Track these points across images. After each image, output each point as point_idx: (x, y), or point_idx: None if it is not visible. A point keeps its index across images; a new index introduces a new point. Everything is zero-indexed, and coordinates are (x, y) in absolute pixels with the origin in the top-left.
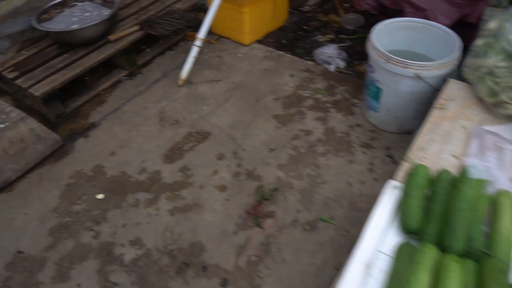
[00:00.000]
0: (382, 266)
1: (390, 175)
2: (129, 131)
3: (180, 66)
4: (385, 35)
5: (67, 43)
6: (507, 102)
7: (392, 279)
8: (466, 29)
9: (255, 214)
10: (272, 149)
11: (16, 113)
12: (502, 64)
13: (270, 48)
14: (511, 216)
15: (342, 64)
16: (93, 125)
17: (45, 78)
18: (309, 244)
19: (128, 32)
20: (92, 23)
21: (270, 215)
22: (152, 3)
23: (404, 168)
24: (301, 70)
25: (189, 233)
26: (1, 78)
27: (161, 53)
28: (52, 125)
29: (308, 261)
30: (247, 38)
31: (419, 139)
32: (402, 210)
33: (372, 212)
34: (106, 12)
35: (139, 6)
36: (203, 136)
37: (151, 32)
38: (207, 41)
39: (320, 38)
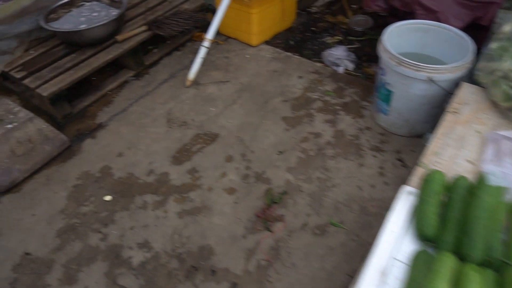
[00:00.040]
0: (398, 274)
1: (401, 179)
2: (136, 132)
3: (188, 67)
4: (396, 37)
5: (75, 43)
6: None
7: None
8: (478, 31)
9: (265, 218)
10: (281, 152)
11: (24, 113)
12: None
13: (278, 49)
14: None
15: (351, 66)
16: (100, 126)
17: (53, 78)
18: (319, 248)
19: (136, 33)
20: (100, 23)
21: (280, 218)
22: (159, 3)
23: (418, 173)
24: (310, 72)
25: (198, 236)
26: (8, 78)
27: (168, 54)
28: (59, 126)
29: (319, 266)
30: (255, 39)
31: (433, 143)
32: (417, 217)
33: (386, 218)
34: (114, 12)
35: (147, 6)
36: (211, 137)
37: (159, 33)
38: (214, 42)
39: (328, 39)
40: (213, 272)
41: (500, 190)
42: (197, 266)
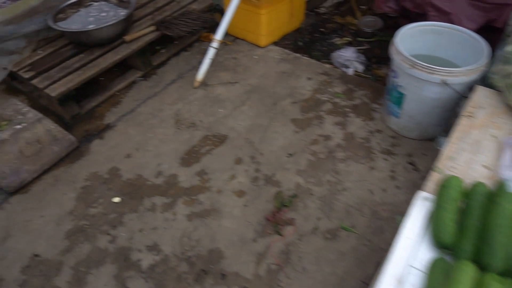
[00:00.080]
0: (414, 282)
1: (413, 183)
2: (144, 133)
3: (195, 68)
4: (408, 39)
5: (83, 43)
6: None
7: None
8: (492, 34)
9: (275, 221)
10: (290, 154)
11: (32, 113)
12: None
13: (286, 50)
14: None
15: (360, 67)
16: (108, 127)
17: (61, 79)
18: (330, 253)
19: (144, 33)
20: (109, 24)
21: (290, 222)
22: (167, 3)
23: (433, 178)
24: (319, 73)
25: (207, 239)
26: (16, 77)
27: (176, 54)
28: (67, 126)
29: (330, 271)
30: (263, 40)
31: (448, 148)
32: (434, 224)
33: (400, 224)
34: (122, 12)
35: (155, 6)
36: (220, 139)
37: (167, 33)
38: (222, 43)
39: (337, 40)
40: (223, 276)
41: None
42: (206, 270)
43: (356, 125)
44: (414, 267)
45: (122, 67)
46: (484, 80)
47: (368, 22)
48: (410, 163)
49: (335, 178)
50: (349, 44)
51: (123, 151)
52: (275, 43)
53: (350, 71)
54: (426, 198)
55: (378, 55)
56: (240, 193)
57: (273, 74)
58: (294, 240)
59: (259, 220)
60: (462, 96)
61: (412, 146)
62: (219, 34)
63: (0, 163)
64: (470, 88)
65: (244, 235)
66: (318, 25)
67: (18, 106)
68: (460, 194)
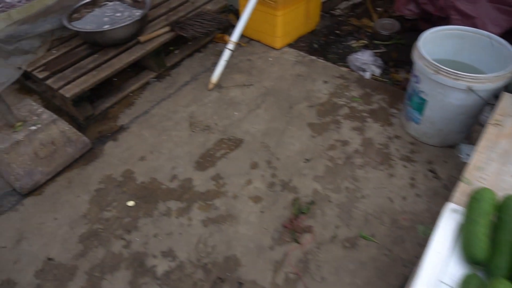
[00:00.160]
0: None
1: (434, 192)
2: (159, 136)
3: (209, 69)
4: (430, 43)
5: (98, 43)
6: None
7: None
8: None
9: (292, 229)
10: (307, 160)
11: (47, 115)
12: None
13: (301, 53)
14: None
15: (377, 71)
16: (122, 128)
17: (76, 79)
18: (349, 262)
19: (159, 33)
20: (124, 24)
21: (308, 230)
22: (181, 4)
23: (460, 189)
24: (335, 77)
25: (224, 246)
26: (30, 77)
27: (190, 55)
28: (80, 127)
29: (349, 281)
30: (278, 42)
31: (475, 157)
32: (466, 238)
33: (430, 237)
34: (137, 13)
35: (169, 6)
36: (235, 143)
37: (182, 34)
38: (237, 44)
39: (353, 43)
40: (240, 284)
41: None
42: (223, 278)
43: (374, 130)
44: (444, 283)
45: (135, 67)
46: (508, 87)
47: (385, 25)
48: (431, 171)
49: (354, 185)
50: (365, 47)
51: (137, 154)
52: (290, 45)
53: (367, 75)
54: (455, 210)
55: (395, 58)
56: (257, 199)
57: (288, 77)
58: (312, 249)
59: (276, 227)
60: (487, 103)
61: (432, 153)
62: (235, 36)
63: (15, 164)
64: (495, 95)
65: (261, 242)
66: (334, 27)
67: (33, 106)
68: (492, 207)
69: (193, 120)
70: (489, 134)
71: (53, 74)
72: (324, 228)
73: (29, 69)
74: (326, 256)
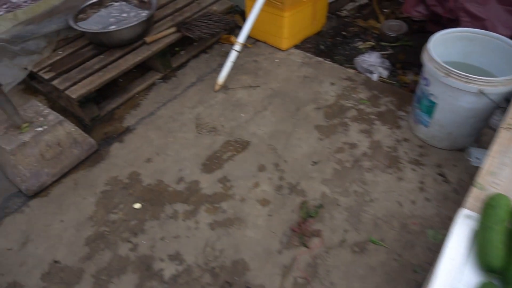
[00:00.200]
0: None
1: (443, 196)
2: (165, 137)
3: (215, 70)
4: (439, 46)
5: (104, 44)
6: None
7: None
8: None
9: (301, 232)
10: (315, 162)
11: (53, 116)
12: None
13: (308, 54)
14: None
15: (385, 73)
16: (128, 130)
17: (82, 80)
18: (359, 267)
19: (165, 34)
20: (130, 25)
21: (316, 234)
22: (187, 4)
23: (473, 194)
24: (342, 79)
25: (231, 250)
26: (35, 77)
27: (196, 56)
28: (86, 128)
29: (359, 286)
30: (285, 43)
31: (488, 162)
32: (481, 246)
33: (445, 244)
34: (143, 13)
35: (175, 7)
36: (242, 145)
37: (189, 35)
38: (243, 45)
39: (360, 44)
40: None
41: None
42: (231, 282)
43: (382, 133)
44: None
45: (141, 68)
46: None
47: (392, 26)
48: (440, 174)
49: (362, 188)
50: (372, 48)
51: (143, 155)
52: (297, 47)
53: (374, 77)
54: (468, 216)
55: (402, 60)
56: (264, 202)
57: (295, 78)
58: (321, 253)
59: (284, 231)
60: (498, 106)
61: (441, 156)
62: (242, 37)
63: (21, 165)
64: (507, 98)
65: (269, 246)
66: (340, 28)
67: (39, 108)
68: (508, 214)
69: (199, 122)
70: (501, 138)
71: (59, 74)
72: (332, 232)
73: (35, 70)
74: (335, 261)
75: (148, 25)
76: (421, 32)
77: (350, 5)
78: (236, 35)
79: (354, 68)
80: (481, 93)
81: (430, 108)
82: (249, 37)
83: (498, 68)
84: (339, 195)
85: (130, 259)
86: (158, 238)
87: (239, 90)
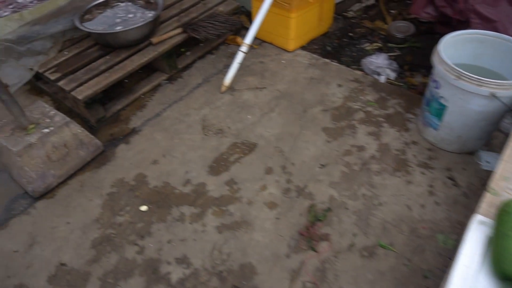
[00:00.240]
0: None
1: (453, 200)
2: (171, 139)
3: (221, 71)
4: (450, 48)
5: (110, 44)
6: None
7: None
8: None
9: (309, 236)
10: (323, 165)
11: (60, 117)
12: None
13: (314, 55)
14: None
15: (392, 75)
16: (134, 131)
17: (88, 81)
18: (368, 272)
19: (171, 35)
20: (137, 25)
21: (325, 237)
22: (194, 5)
23: (487, 200)
24: (349, 80)
25: (239, 253)
26: (41, 78)
27: (202, 57)
28: (92, 130)
29: None
30: (291, 44)
31: (501, 167)
32: (497, 253)
33: (458, 251)
34: (149, 14)
35: (181, 7)
36: (249, 147)
37: (195, 36)
38: (249, 46)
39: (367, 46)
40: None
41: None
42: (239, 286)
43: (391, 135)
44: None
45: (146, 69)
46: None
47: (400, 27)
48: (450, 178)
49: (371, 191)
50: (379, 50)
51: (149, 157)
52: (303, 48)
53: (382, 79)
54: (482, 222)
55: (410, 62)
56: (272, 205)
57: (301, 80)
58: (330, 257)
59: (292, 235)
60: (509, 109)
61: (450, 159)
62: (248, 38)
63: (27, 167)
64: None
65: (277, 250)
66: (347, 29)
67: (45, 109)
68: None
69: (205, 123)
70: None
71: (65, 75)
72: (341, 236)
73: (41, 70)
74: (344, 265)
75: (154, 25)
76: (429, 33)
77: (357, 6)
78: (242, 36)
79: (361, 70)
80: (493, 96)
81: (440, 111)
82: (255, 38)
83: (509, 70)
84: (348, 198)
85: (137, 262)
86: (165, 241)
87: (245, 91)
